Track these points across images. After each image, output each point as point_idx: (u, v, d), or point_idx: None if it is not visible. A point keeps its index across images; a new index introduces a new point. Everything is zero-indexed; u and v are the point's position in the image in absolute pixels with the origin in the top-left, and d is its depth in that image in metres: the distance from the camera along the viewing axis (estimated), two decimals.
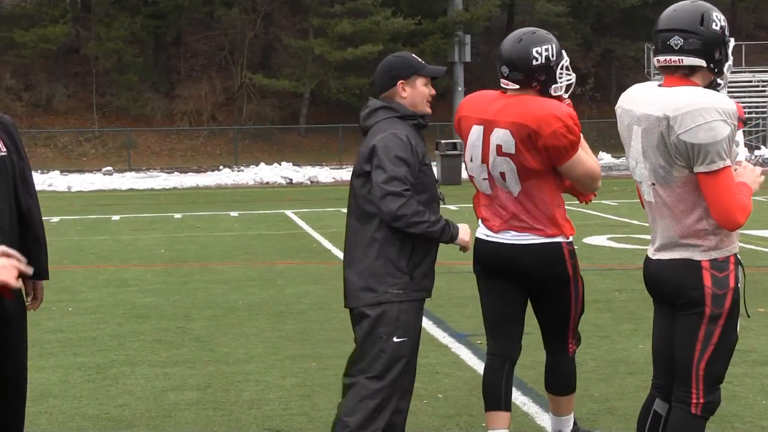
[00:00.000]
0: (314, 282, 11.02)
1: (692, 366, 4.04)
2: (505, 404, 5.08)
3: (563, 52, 5.03)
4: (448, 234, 4.56)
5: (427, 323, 8.63)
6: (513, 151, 4.82)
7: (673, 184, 3.98)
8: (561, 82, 4.98)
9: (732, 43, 4.09)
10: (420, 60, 4.68)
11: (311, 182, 30.66)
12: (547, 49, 4.88)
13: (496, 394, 5.09)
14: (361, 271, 4.59)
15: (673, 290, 4.06)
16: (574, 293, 5.10)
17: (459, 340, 8.02)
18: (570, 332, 5.19)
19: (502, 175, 4.89)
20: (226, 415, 6.17)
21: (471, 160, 5.02)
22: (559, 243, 4.97)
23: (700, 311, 3.99)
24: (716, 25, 4.02)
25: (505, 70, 4.91)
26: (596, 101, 42.96)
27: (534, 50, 4.86)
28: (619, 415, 6.00)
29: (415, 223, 4.47)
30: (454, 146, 27.92)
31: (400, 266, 4.56)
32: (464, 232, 4.65)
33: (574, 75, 5.05)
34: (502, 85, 4.97)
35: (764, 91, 39.91)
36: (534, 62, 4.87)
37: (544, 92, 4.95)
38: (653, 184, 4.04)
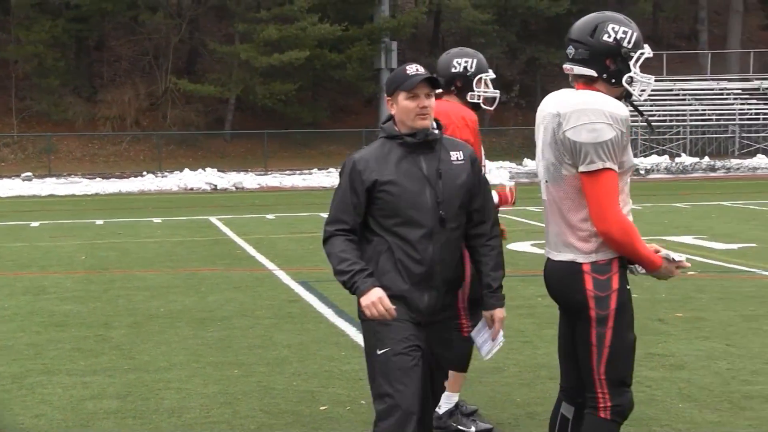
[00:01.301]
0: (238, 289, 10.93)
1: (592, 370, 4.08)
2: None
3: (490, 71, 5.89)
4: (353, 292, 4.17)
5: (350, 330, 8.62)
6: None
7: (562, 182, 4.07)
8: (477, 92, 5.80)
9: (639, 55, 4.09)
10: (413, 71, 4.25)
11: (236, 188, 30.47)
12: (467, 62, 5.79)
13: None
14: None
15: (559, 292, 4.16)
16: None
17: None
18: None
19: None
20: (146, 424, 6.08)
21: None
22: None
23: (586, 315, 4.05)
24: (609, 36, 4.08)
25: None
26: (522, 108, 43.37)
27: (455, 61, 5.79)
28: (540, 419, 6.02)
29: (332, 267, 4.24)
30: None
31: None
32: (368, 298, 4.11)
33: (498, 92, 5.92)
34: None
35: (684, 99, 40.62)
36: (453, 69, 5.78)
37: (461, 98, 5.80)
38: (546, 182, 4.13)
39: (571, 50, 4.14)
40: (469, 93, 5.79)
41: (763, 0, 50.23)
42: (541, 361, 7.39)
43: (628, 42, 4.09)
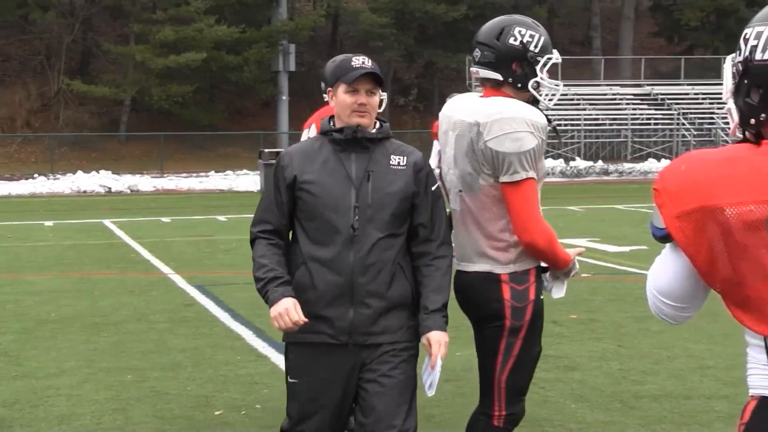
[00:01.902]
0: (132, 293, 10.75)
1: (494, 378, 4.06)
2: None
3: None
4: (261, 295, 3.82)
5: (246, 333, 8.54)
6: None
7: (479, 192, 3.99)
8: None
9: (546, 59, 4.07)
10: (358, 63, 3.88)
11: (131, 191, 30.01)
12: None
13: None
14: None
15: (474, 303, 4.08)
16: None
17: (279, 349, 7.94)
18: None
19: None
20: None
21: None
22: None
23: (500, 324, 4.00)
24: (515, 39, 4.04)
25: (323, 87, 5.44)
26: (419, 112, 43.63)
27: None
28: (436, 422, 6.04)
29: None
30: (277, 155, 27.73)
31: None
32: (276, 309, 3.72)
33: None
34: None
35: (579, 104, 41.36)
36: None
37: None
38: (461, 191, 4.07)
39: (477, 53, 4.08)
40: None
41: (653, 8, 51.43)
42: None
43: (535, 46, 4.05)
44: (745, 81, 2.32)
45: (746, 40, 2.33)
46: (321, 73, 5.69)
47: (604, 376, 7.04)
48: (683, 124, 40.04)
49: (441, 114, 4.23)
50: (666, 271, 2.43)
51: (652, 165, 35.77)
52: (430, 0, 42.18)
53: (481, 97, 4.12)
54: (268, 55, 40.04)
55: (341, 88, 3.86)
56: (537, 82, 4.07)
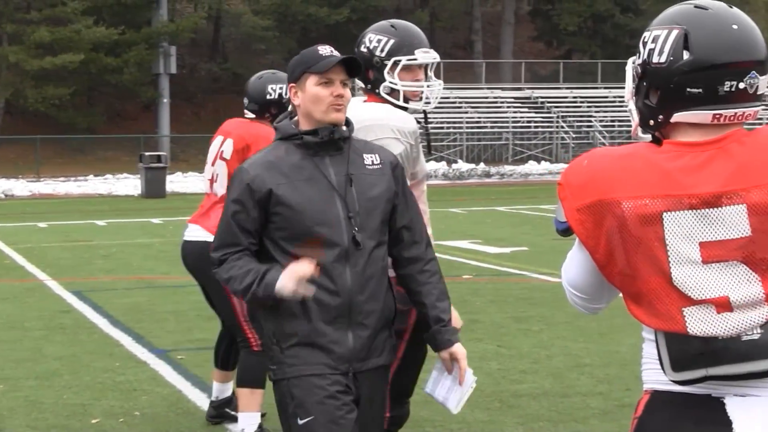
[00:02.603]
0: (5, 300, 10.45)
1: None
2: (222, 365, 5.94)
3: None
4: (261, 291, 3.30)
5: (126, 339, 8.39)
6: (228, 158, 5.53)
7: None
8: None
9: (394, 62, 4.04)
10: (327, 52, 3.42)
11: (5, 195, 29.22)
12: (281, 88, 5.57)
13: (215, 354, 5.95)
14: None
15: None
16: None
17: (159, 355, 7.82)
18: (244, 327, 5.42)
19: (216, 177, 5.60)
20: None
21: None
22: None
23: None
24: (364, 47, 4.10)
25: (245, 101, 5.69)
26: None
27: (269, 87, 5.61)
28: None
29: (235, 290, 3.41)
30: (158, 159, 27.48)
31: (268, 333, 3.46)
32: (286, 278, 3.26)
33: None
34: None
35: (461, 107, 41.81)
36: (268, 96, 5.61)
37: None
38: None
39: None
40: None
41: (533, 12, 52.36)
42: None
43: (381, 50, 4.05)
44: (644, 83, 2.38)
45: (645, 44, 2.38)
46: (245, 86, 5.77)
47: (485, 376, 7.10)
48: (562, 126, 40.83)
49: None
50: (573, 264, 2.49)
51: (532, 167, 36.37)
52: (312, 3, 42.16)
53: (364, 102, 4.15)
54: (148, 57, 39.46)
55: (311, 80, 3.37)
56: (390, 87, 4.06)
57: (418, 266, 3.52)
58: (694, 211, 2.26)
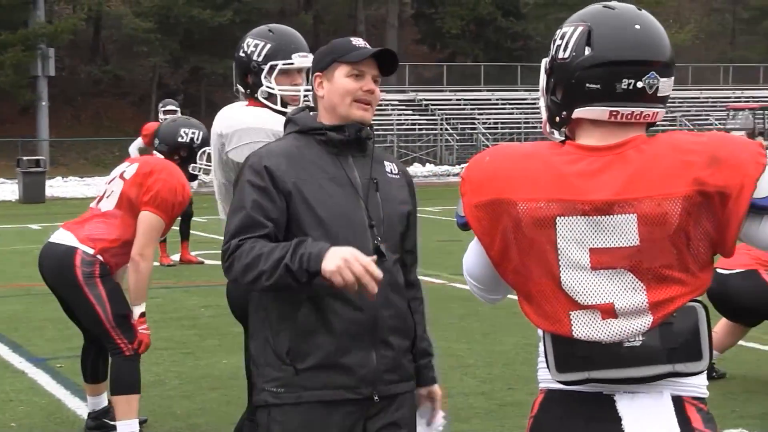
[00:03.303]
0: None
1: None
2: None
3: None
4: (296, 264, 2.81)
5: (2, 349, 8.17)
6: (128, 177, 5.51)
7: None
8: (200, 164, 5.78)
9: (271, 67, 4.03)
10: (362, 43, 3.12)
11: None
12: (194, 133, 5.71)
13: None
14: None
15: (243, 311, 3.99)
16: (94, 298, 5.32)
17: (37, 364, 7.63)
18: (112, 333, 5.34)
19: (109, 194, 5.54)
20: None
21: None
22: (74, 248, 5.35)
23: None
24: (243, 51, 4.11)
25: (156, 142, 5.78)
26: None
27: (182, 130, 5.72)
28: (202, 430, 5.97)
29: (253, 280, 2.90)
30: (37, 163, 26.85)
31: (279, 351, 3.01)
32: (335, 255, 2.79)
33: (210, 166, 5.83)
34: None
35: None
36: (179, 139, 5.71)
37: (182, 167, 5.70)
38: (221, 201, 4.07)
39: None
40: (191, 164, 5.79)
41: (416, 16, 52.75)
42: (204, 372, 7.32)
43: (258, 55, 4.05)
44: (552, 79, 2.40)
45: (554, 41, 2.41)
46: (156, 129, 5.93)
47: None
48: (446, 129, 41.23)
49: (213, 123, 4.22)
50: (471, 255, 2.52)
51: (417, 169, 36.62)
52: (195, 5, 41.72)
53: (246, 106, 4.14)
54: (25, 59, 38.45)
55: (340, 71, 3.06)
56: (267, 92, 4.06)
57: (411, 293, 3.21)
58: (587, 217, 2.27)
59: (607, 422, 2.30)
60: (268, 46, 4.07)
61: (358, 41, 3.13)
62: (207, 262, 13.12)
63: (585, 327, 2.29)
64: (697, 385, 2.35)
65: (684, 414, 2.30)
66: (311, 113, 3.16)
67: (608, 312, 2.27)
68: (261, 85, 4.06)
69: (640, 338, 2.27)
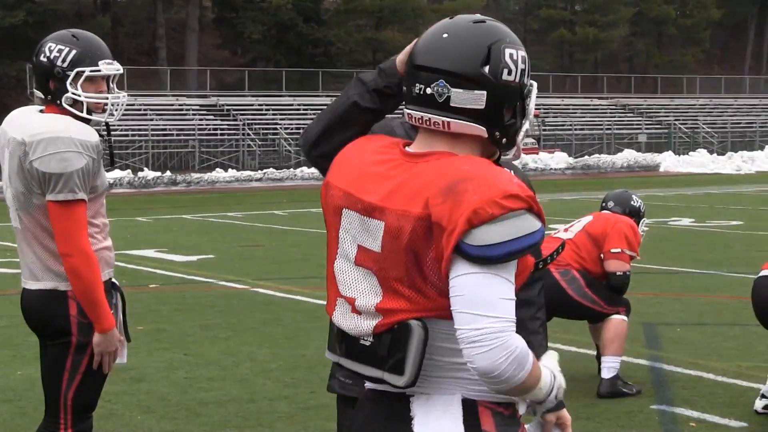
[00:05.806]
0: None
1: (60, 395, 3.99)
2: None
3: None
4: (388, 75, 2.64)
5: None
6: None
7: (34, 211, 3.92)
8: None
9: (77, 73, 3.96)
10: None
11: None
12: None
13: None
14: None
15: (39, 320, 4.00)
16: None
17: None
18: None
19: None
20: None
21: None
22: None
23: (67, 341, 3.94)
24: (44, 56, 4.00)
25: None
26: None
27: None
28: None
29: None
30: None
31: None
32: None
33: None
34: None
35: (146, 114, 41.16)
36: None
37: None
38: (18, 209, 3.97)
39: None
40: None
41: (217, 20, 52.35)
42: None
43: (63, 60, 3.97)
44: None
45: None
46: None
47: (171, 386, 7.08)
48: (248, 134, 41.09)
49: (0, 128, 4.08)
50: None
51: (219, 174, 36.32)
52: None
53: (41, 112, 4.04)
54: None
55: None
56: (73, 99, 4.00)
57: None
58: (359, 215, 2.39)
59: (401, 422, 2.39)
60: (74, 51, 3.99)
61: None
62: (3, 270, 12.66)
63: (340, 315, 2.45)
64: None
65: (474, 416, 2.36)
66: None
67: (353, 307, 2.41)
68: (65, 91, 3.97)
69: (370, 339, 2.39)
